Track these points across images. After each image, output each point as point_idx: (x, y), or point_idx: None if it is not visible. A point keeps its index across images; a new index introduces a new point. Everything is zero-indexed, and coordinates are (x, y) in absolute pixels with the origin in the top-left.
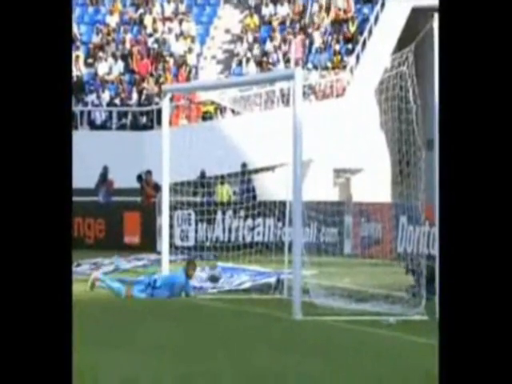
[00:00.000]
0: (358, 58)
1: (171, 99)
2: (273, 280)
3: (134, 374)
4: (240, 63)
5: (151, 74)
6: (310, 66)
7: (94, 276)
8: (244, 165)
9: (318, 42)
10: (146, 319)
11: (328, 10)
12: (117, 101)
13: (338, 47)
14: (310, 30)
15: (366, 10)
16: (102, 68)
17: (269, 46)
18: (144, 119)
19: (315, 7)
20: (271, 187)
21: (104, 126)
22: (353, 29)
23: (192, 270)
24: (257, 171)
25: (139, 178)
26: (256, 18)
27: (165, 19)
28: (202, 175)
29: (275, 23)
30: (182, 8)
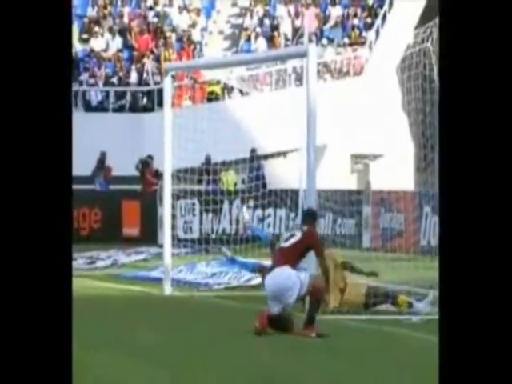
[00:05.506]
0: (377, 32)
1: (173, 78)
2: None
3: (131, 372)
4: (249, 39)
5: (152, 51)
6: (324, 41)
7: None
8: (253, 150)
9: (333, 15)
10: (148, 317)
11: None
12: (114, 80)
13: (355, 21)
14: (324, 2)
15: None
16: (97, 44)
17: (280, 20)
18: (144, 100)
19: None
20: (283, 175)
21: (100, 108)
22: (372, 1)
23: None
24: (267, 157)
25: (139, 164)
26: None
27: None
28: (207, 161)
29: None
30: None
